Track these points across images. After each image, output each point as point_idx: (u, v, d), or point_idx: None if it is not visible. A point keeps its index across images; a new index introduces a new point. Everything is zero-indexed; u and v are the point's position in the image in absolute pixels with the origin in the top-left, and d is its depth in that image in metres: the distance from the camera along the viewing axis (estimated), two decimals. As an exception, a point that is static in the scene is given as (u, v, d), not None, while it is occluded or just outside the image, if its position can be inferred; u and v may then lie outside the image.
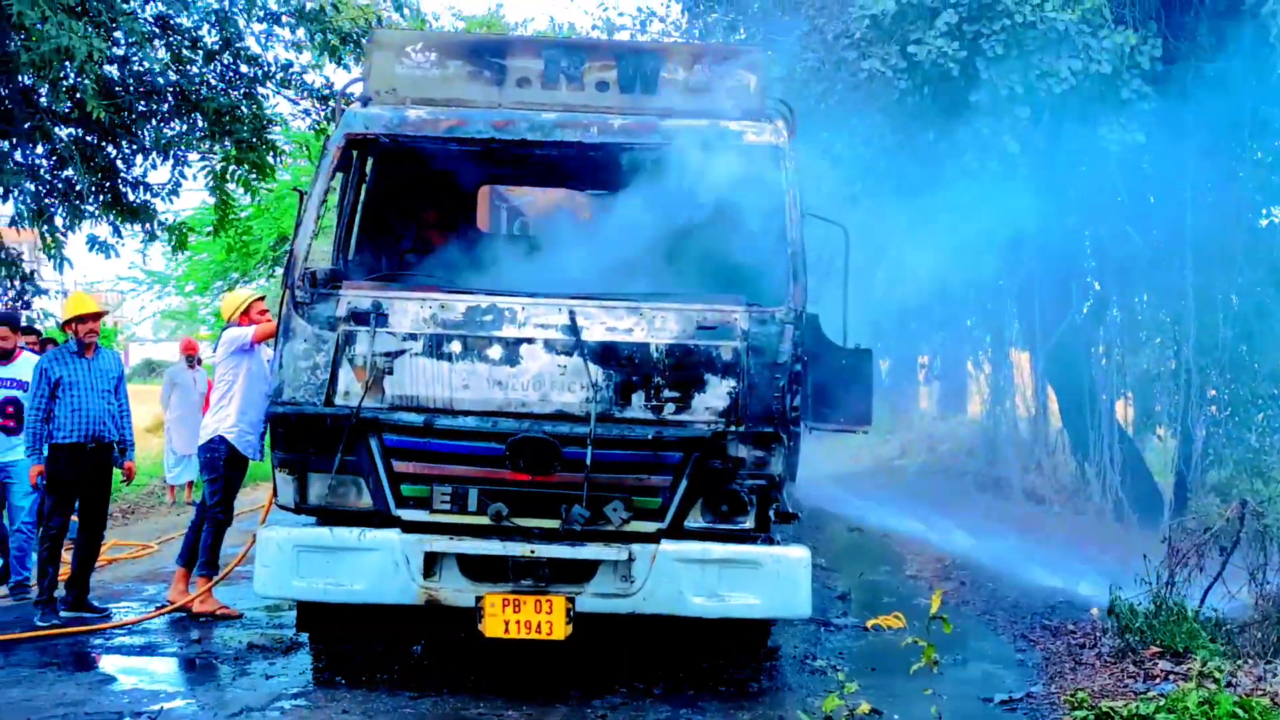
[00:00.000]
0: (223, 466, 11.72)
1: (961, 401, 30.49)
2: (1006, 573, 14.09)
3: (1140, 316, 21.36)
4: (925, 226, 18.27)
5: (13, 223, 16.96)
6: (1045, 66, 15.06)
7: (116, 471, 12.06)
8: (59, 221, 17.10)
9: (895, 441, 28.47)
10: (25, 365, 12.66)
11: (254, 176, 18.25)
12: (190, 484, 20.72)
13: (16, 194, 16.40)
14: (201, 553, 11.80)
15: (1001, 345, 23.32)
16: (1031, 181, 16.15)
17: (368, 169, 10.16)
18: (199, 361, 21.60)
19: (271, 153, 18.27)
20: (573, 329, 8.56)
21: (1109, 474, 18.88)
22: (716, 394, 8.59)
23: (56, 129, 16.62)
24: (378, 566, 8.56)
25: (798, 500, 9.11)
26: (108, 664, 10.33)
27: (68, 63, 14.24)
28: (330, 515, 8.77)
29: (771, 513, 8.73)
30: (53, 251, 17.09)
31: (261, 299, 12.30)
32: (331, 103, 17.84)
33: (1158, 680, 9.51)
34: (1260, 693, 8.95)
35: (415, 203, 11.21)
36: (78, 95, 15.47)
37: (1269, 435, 18.13)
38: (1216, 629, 10.65)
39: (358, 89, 9.83)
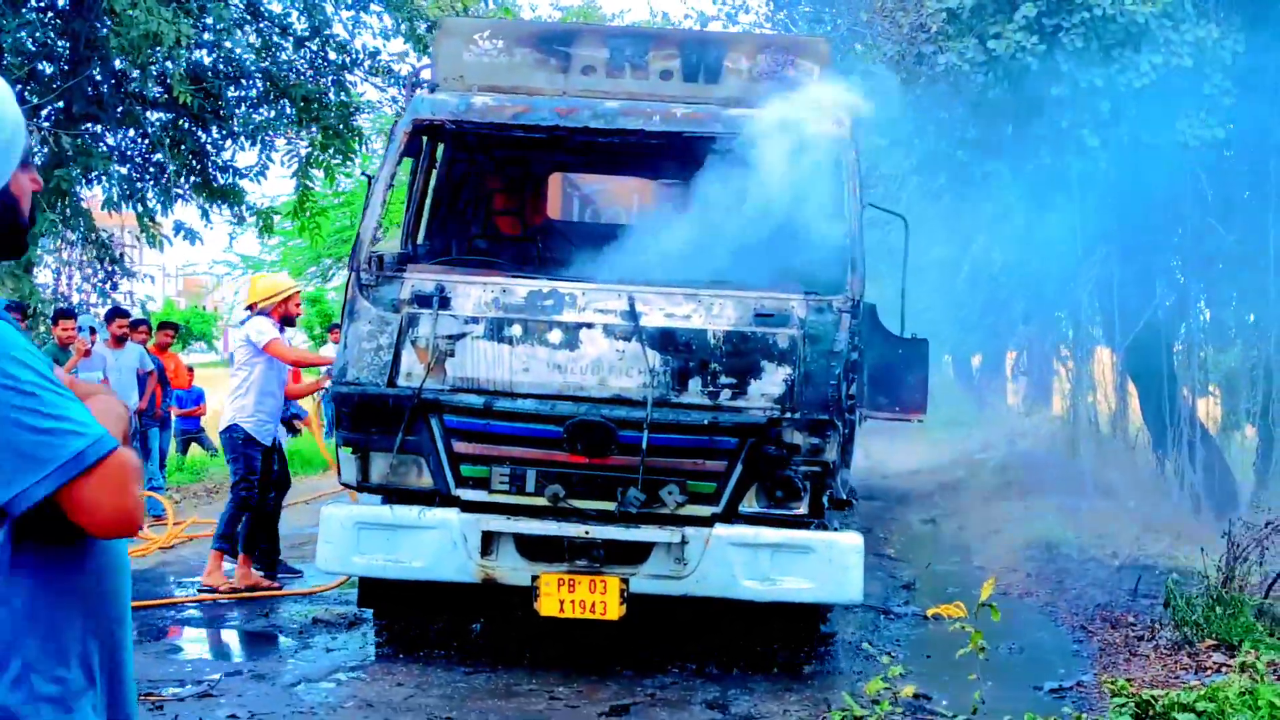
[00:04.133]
0: (241, 446, 11.67)
1: (1047, 397, 30.33)
2: (1075, 566, 14.04)
3: (1226, 314, 21.18)
4: (1006, 221, 18.23)
5: (105, 206, 17.30)
6: (1125, 60, 14.98)
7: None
8: (150, 204, 17.50)
9: (978, 436, 28.36)
10: None
11: (339, 162, 18.58)
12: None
13: (107, 178, 16.77)
14: (221, 525, 11.79)
15: (1085, 341, 23.15)
16: (1112, 176, 16.08)
17: (438, 155, 10.33)
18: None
19: (357, 139, 18.59)
20: (632, 315, 8.65)
21: (1187, 470, 18.74)
22: (773, 381, 8.65)
23: (147, 114, 17.01)
24: (436, 545, 8.72)
25: (854, 487, 9.18)
26: (174, 635, 10.54)
27: (157, 48, 14.58)
28: (392, 494, 8.95)
29: (825, 499, 8.80)
30: (153, 235, 17.48)
31: (299, 291, 12.20)
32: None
33: (1209, 673, 9.44)
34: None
35: (484, 189, 11.37)
36: (167, 80, 15.82)
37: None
38: (1275, 623, 10.58)
39: (428, 75, 10.01)
